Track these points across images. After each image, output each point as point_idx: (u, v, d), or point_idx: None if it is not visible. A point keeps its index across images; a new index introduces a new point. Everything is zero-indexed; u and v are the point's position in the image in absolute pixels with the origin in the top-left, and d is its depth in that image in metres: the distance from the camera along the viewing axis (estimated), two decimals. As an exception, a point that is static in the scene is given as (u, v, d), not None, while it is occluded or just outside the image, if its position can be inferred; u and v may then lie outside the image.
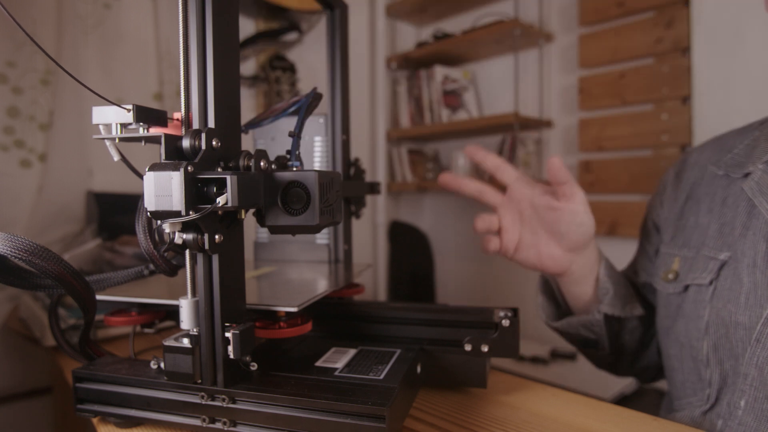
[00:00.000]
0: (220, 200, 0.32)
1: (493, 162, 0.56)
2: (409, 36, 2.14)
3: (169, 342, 0.36)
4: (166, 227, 0.33)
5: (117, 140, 0.35)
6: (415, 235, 2.08)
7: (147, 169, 0.32)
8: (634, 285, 0.64)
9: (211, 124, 0.35)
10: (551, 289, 0.63)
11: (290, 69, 1.57)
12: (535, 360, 1.44)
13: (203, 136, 0.34)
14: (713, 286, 0.50)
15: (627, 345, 0.61)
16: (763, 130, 0.53)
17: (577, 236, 0.52)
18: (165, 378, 0.37)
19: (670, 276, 0.56)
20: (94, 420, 0.42)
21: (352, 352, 0.46)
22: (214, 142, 0.34)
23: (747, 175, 0.51)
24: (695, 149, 0.63)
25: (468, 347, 0.45)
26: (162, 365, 0.37)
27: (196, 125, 0.35)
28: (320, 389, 0.37)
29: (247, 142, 0.42)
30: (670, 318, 0.55)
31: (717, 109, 1.33)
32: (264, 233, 0.62)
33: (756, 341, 0.45)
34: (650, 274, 0.63)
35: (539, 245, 0.55)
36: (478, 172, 1.90)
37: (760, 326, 0.45)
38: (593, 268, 0.57)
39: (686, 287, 0.53)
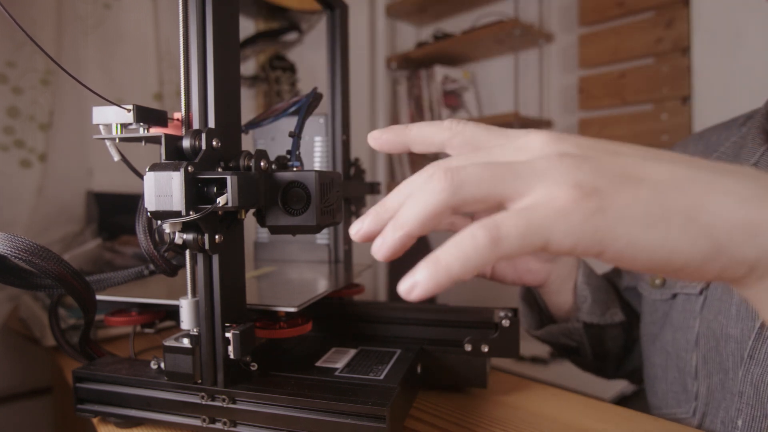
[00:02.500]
0: (221, 200, 0.32)
1: None
2: (409, 36, 2.14)
3: (169, 342, 0.36)
4: (166, 227, 0.33)
5: (117, 140, 0.35)
6: (415, 235, 2.08)
7: (147, 169, 0.32)
8: (617, 288, 0.63)
9: (211, 124, 0.35)
10: (533, 297, 0.62)
11: (290, 69, 1.57)
12: (535, 360, 1.44)
13: (203, 136, 0.34)
14: (703, 296, 0.49)
15: (610, 351, 0.60)
16: (751, 127, 0.51)
17: None
18: (165, 378, 0.37)
19: (657, 282, 0.55)
20: (94, 420, 0.42)
21: (352, 352, 0.46)
22: (214, 142, 0.34)
23: None
24: (676, 146, 0.61)
25: (468, 347, 0.45)
26: (162, 365, 0.37)
27: (196, 125, 0.35)
28: (320, 389, 0.37)
29: (247, 142, 0.42)
30: (657, 325, 0.55)
31: (717, 109, 1.33)
32: (264, 233, 0.62)
33: (750, 357, 0.43)
34: (635, 278, 0.62)
35: (515, 261, 0.55)
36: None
37: (752, 341, 0.43)
38: (571, 274, 0.56)
39: (674, 295, 0.52)
